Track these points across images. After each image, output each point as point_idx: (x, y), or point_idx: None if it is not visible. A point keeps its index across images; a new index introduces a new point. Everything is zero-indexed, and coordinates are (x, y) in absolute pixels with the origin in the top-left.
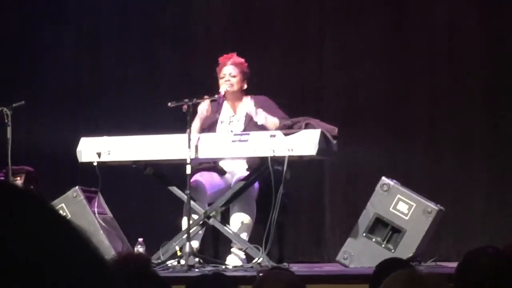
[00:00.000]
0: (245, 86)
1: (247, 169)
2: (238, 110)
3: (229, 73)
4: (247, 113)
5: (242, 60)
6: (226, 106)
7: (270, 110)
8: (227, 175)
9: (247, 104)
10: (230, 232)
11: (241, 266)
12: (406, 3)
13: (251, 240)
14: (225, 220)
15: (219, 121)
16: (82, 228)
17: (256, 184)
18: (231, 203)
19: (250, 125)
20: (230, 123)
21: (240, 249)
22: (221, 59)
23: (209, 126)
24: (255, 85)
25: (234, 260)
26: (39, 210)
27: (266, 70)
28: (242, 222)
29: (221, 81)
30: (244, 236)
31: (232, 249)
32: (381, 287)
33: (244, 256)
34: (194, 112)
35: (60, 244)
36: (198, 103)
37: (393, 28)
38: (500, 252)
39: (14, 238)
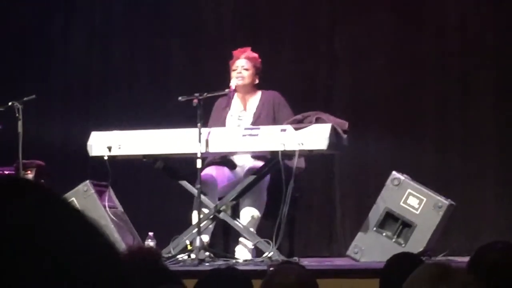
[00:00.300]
0: (256, 81)
1: (258, 163)
2: (248, 105)
3: (242, 66)
4: (256, 109)
5: (256, 55)
6: (236, 100)
7: (280, 109)
8: (237, 169)
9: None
10: (241, 226)
11: (251, 260)
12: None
13: (262, 234)
14: (235, 214)
15: (228, 115)
16: (95, 221)
17: (267, 176)
18: (241, 197)
19: (259, 121)
20: (239, 117)
21: (248, 239)
22: (235, 52)
23: (219, 120)
24: (265, 79)
25: (242, 251)
26: (52, 204)
27: (276, 65)
28: (252, 216)
29: (232, 74)
30: (252, 229)
31: (240, 239)
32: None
33: (252, 246)
34: (205, 107)
35: (73, 236)
36: (209, 97)
37: (403, 23)
38: (510, 246)
39: (29, 231)
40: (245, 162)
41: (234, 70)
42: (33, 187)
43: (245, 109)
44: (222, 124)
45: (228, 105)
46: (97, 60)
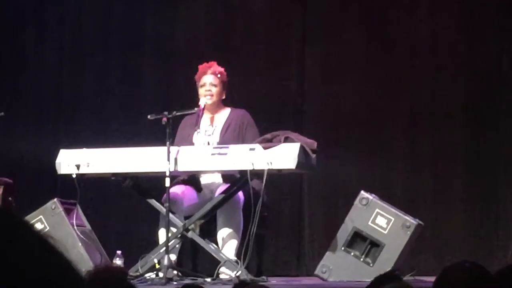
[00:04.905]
0: (224, 96)
1: (225, 182)
2: (215, 121)
3: (210, 82)
4: (223, 125)
5: (222, 69)
6: (204, 116)
7: (247, 128)
8: (204, 188)
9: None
10: (209, 245)
11: (220, 279)
12: (387, 18)
13: None
14: (205, 233)
15: (195, 131)
16: (56, 242)
17: (241, 195)
18: (209, 216)
19: (225, 136)
20: (206, 132)
21: (228, 267)
22: (201, 67)
23: (187, 136)
24: (235, 98)
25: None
26: (11, 226)
27: (247, 83)
28: (230, 238)
29: (200, 90)
30: (233, 248)
31: (221, 269)
32: None
33: (234, 274)
34: (174, 125)
35: (34, 258)
36: (178, 116)
37: (374, 43)
38: (477, 266)
39: None
40: (213, 180)
41: (201, 86)
42: None
43: (211, 124)
44: (189, 141)
45: (197, 124)
46: (67, 78)
